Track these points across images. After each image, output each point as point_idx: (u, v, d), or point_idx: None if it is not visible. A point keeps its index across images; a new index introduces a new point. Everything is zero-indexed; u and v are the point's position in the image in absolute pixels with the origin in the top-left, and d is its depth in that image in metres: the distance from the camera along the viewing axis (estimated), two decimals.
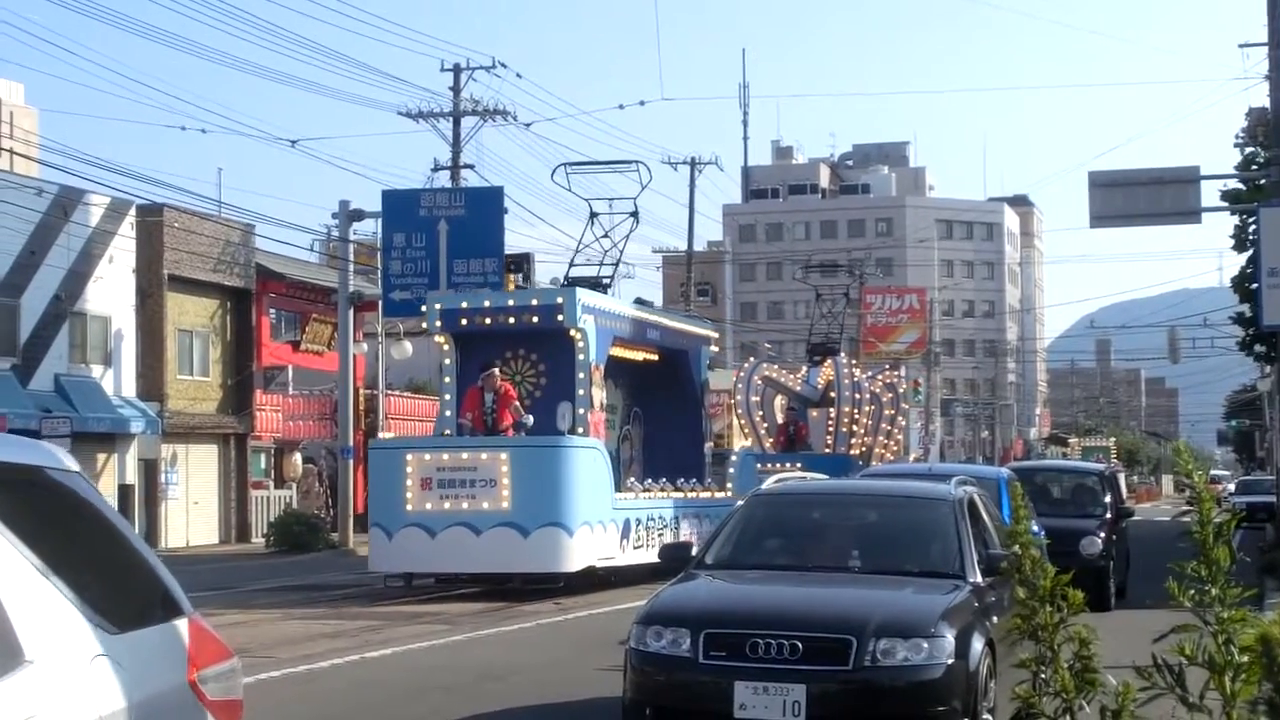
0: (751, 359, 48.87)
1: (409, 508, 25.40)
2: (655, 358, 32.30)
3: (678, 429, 33.07)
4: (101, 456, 42.48)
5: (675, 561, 12.10)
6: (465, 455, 25.53)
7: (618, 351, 30.18)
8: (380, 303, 44.65)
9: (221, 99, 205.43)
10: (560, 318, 27.40)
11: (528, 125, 53.70)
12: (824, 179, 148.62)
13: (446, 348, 28.38)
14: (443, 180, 47.56)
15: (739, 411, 40.93)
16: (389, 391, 51.63)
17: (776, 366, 44.00)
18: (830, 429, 39.03)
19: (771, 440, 39.00)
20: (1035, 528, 19.35)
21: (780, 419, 39.83)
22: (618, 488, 28.12)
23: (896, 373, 45.84)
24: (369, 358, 50.18)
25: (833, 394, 39.26)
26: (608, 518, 26.65)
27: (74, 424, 37.09)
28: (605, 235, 30.99)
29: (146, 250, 44.18)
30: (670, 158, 63.63)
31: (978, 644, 10.08)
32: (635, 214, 30.96)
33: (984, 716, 10.10)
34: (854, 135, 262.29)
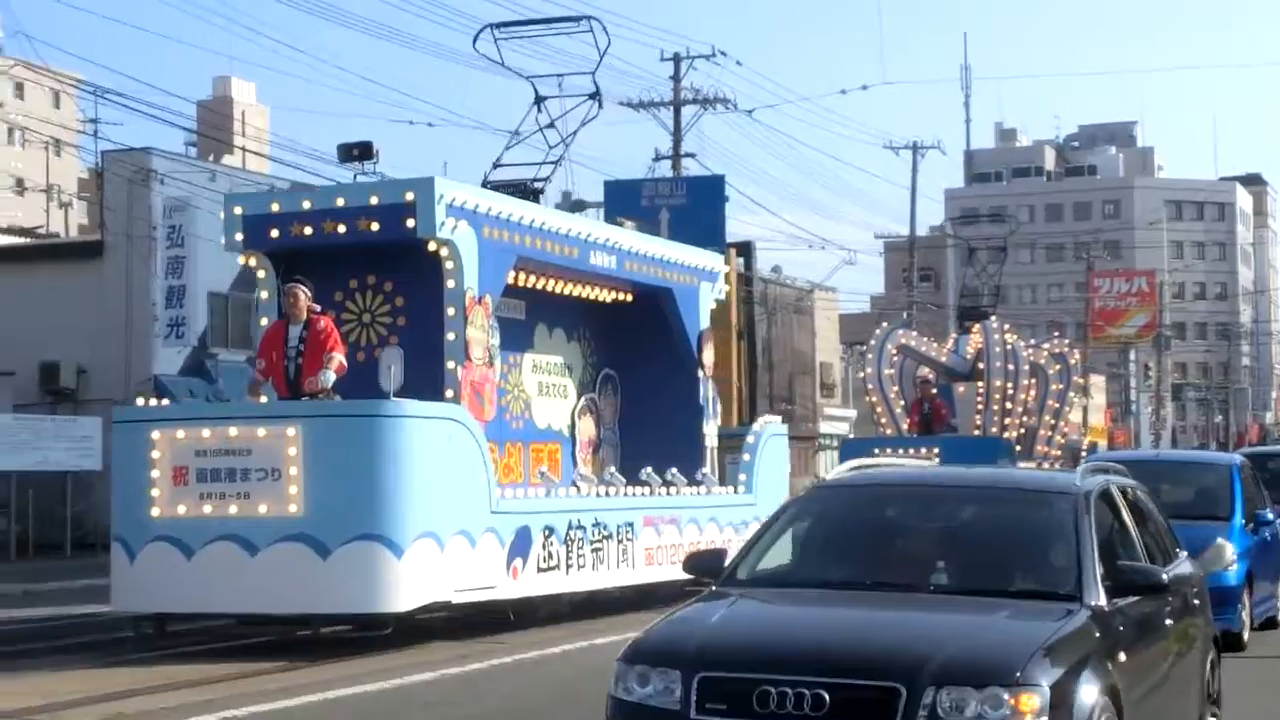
0: (885, 324, 40.79)
1: (155, 512, 16.67)
2: (629, 298, 23.79)
3: (668, 401, 23.83)
4: None
5: (703, 574, 9.09)
6: (234, 431, 16.55)
7: (565, 288, 22.43)
8: None
9: (444, 94, 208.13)
10: (411, 223, 18.03)
11: (749, 112, 53.79)
12: (1049, 161, 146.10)
13: (262, 275, 19.00)
14: (664, 170, 47.59)
15: (869, 386, 33.31)
16: None
17: (916, 333, 35.95)
18: (979, 406, 32.14)
19: (908, 421, 31.80)
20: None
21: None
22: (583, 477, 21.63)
23: (1064, 341, 38.33)
24: None
25: (982, 365, 32.39)
26: (480, 526, 17.58)
27: None
28: (551, 125, 22.94)
29: None
30: (892, 142, 63.53)
31: (1088, 693, 7.28)
32: (595, 95, 23.04)
33: None
34: (1079, 116, 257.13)
